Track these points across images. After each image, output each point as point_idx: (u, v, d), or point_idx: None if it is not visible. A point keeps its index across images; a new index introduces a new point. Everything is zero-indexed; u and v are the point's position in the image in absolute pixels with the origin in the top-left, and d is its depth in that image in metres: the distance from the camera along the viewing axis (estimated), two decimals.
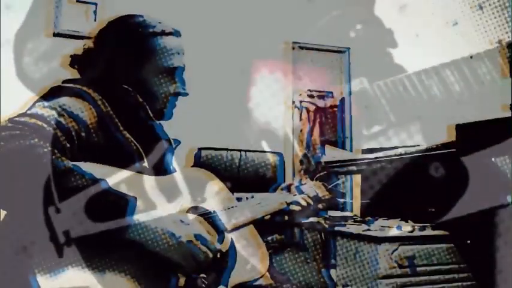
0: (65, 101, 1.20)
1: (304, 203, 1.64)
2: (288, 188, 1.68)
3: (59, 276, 1.02)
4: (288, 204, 1.61)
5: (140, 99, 1.31)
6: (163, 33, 1.36)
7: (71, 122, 1.15)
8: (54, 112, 1.14)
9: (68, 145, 1.13)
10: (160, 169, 1.32)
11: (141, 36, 1.34)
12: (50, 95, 1.24)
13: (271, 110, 3.74)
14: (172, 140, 1.39)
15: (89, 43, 1.37)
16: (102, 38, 1.37)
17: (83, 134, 1.17)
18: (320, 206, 1.75)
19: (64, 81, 1.32)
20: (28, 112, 1.14)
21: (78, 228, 1.01)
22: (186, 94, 1.39)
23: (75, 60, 1.37)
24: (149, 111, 1.32)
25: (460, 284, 2.25)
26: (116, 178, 1.15)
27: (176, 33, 1.39)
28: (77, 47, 1.39)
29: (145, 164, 1.27)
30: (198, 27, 3.19)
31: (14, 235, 1.06)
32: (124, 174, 1.19)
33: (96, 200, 1.03)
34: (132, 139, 1.25)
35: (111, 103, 1.26)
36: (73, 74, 1.38)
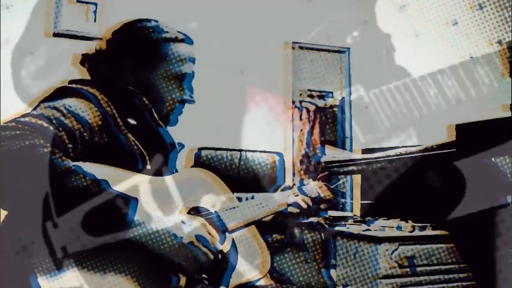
0: (69, 101, 1.21)
1: (304, 205, 1.64)
2: (290, 189, 1.68)
3: (59, 276, 1.02)
4: (288, 205, 1.61)
5: (146, 102, 1.32)
6: (176, 39, 1.37)
7: (74, 122, 1.16)
8: (57, 112, 1.15)
9: (71, 145, 1.13)
10: (163, 172, 1.32)
11: (153, 40, 1.35)
12: (54, 95, 1.25)
13: (271, 110, 3.74)
14: (176, 144, 1.39)
15: (101, 44, 1.38)
16: (114, 39, 1.38)
17: (86, 135, 1.17)
18: (322, 206, 1.76)
19: (70, 82, 1.33)
20: (32, 112, 1.15)
21: (76, 243, 1.01)
22: (193, 102, 1.41)
23: (86, 59, 1.38)
24: (155, 114, 1.33)
25: (460, 284, 2.25)
26: (118, 179, 1.15)
27: (188, 41, 1.40)
28: (77, 47, 1.39)
29: (148, 166, 1.27)
30: (198, 27, 3.18)
31: (14, 235, 1.06)
32: (126, 175, 1.19)
33: (97, 201, 1.03)
34: (135, 141, 1.26)
35: (117, 104, 1.27)
36: (82, 73, 1.38)
